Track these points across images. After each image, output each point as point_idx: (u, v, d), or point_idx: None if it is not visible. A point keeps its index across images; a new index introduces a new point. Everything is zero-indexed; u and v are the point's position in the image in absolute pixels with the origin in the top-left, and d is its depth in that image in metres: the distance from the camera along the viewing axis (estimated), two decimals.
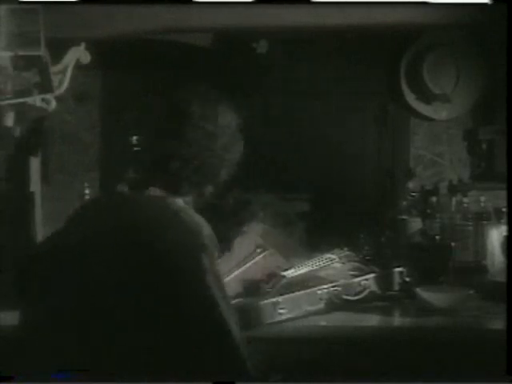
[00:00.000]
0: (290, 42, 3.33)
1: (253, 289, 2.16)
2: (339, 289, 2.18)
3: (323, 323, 2.10)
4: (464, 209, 2.64)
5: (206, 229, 1.70)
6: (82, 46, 2.29)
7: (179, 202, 1.78)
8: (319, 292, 2.15)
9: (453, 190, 2.77)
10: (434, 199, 2.70)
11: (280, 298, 2.08)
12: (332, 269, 2.28)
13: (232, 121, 1.89)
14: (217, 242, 1.70)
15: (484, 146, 3.73)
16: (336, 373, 1.96)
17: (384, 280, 2.26)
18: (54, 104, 2.35)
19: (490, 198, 2.66)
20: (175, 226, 1.67)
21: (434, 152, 3.84)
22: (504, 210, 2.49)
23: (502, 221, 2.52)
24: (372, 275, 2.25)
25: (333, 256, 2.30)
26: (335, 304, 2.17)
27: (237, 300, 2.12)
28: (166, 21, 2.24)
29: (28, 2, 2.14)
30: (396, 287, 2.27)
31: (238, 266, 2.26)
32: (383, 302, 2.25)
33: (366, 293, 2.22)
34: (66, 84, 2.27)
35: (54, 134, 2.98)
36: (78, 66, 2.29)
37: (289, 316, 2.09)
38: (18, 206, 2.42)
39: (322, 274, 2.24)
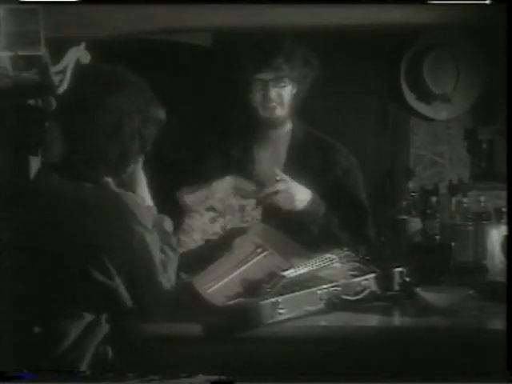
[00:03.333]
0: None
1: (253, 289, 2.16)
2: (339, 289, 2.18)
3: (323, 323, 2.10)
4: (464, 209, 2.64)
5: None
6: (82, 45, 2.29)
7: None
8: (319, 292, 2.15)
9: (453, 189, 2.77)
10: (433, 199, 2.70)
11: (280, 298, 2.08)
12: (332, 269, 2.27)
13: None
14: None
15: (484, 146, 3.75)
16: (336, 373, 1.96)
17: (384, 280, 2.26)
18: (54, 104, 2.35)
19: (490, 198, 2.65)
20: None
21: (434, 152, 3.85)
22: (504, 209, 2.48)
23: (502, 221, 2.52)
24: (372, 275, 2.25)
25: (333, 256, 2.30)
26: (335, 304, 2.17)
27: (237, 300, 2.12)
28: (166, 21, 2.24)
29: (28, 2, 2.14)
30: (396, 287, 2.27)
31: (238, 266, 2.26)
32: (383, 302, 2.24)
33: (366, 293, 2.22)
34: (65, 84, 2.27)
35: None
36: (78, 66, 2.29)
37: (289, 316, 2.09)
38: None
39: (322, 274, 2.24)
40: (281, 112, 2.66)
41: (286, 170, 2.61)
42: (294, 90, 2.68)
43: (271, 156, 2.72)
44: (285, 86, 2.64)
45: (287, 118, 2.71)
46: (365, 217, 2.71)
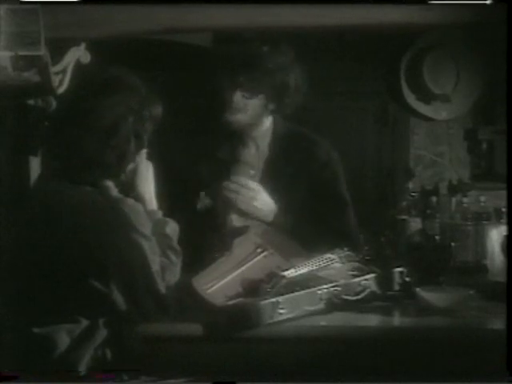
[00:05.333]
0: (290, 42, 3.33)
1: (253, 289, 2.16)
2: (339, 289, 2.18)
3: (323, 323, 2.10)
4: (464, 209, 2.64)
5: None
6: (82, 46, 2.29)
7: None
8: (319, 292, 2.15)
9: (453, 190, 2.77)
10: (434, 199, 2.70)
11: (280, 298, 2.08)
12: (332, 269, 2.28)
13: None
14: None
15: (484, 146, 3.75)
16: (336, 373, 1.96)
17: (384, 280, 2.26)
18: (53, 104, 2.35)
19: (490, 198, 2.66)
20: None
21: (434, 152, 3.86)
22: (504, 209, 2.48)
23: (502, 221, 2.52)
24: (372, 275, 2.25)
25: (333, 256, 2.30)
26: (335, 304, 2.17)
27: (237, 300, 2.12)
28: (166, 21, 2.24)
29: (28, 2, 2.14)
30: (396, 287, 2.27)
31: (238, 266, 2.26)
32: (383, 302, 2.25)
33: (366, 293, 2.22)
34: (65, 84, 2.27)
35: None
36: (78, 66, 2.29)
37: (289, 316, 2.09)
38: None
39: (322, 273, 2.24)
40: (243, 118, 2.57)
41: (267, 167, 2.61)
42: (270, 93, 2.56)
43: (256, 153, 2.69)
44: (254, 93, 2.54)
45: (254, 124, 2.62)
46: (345, 211, 2.66)
